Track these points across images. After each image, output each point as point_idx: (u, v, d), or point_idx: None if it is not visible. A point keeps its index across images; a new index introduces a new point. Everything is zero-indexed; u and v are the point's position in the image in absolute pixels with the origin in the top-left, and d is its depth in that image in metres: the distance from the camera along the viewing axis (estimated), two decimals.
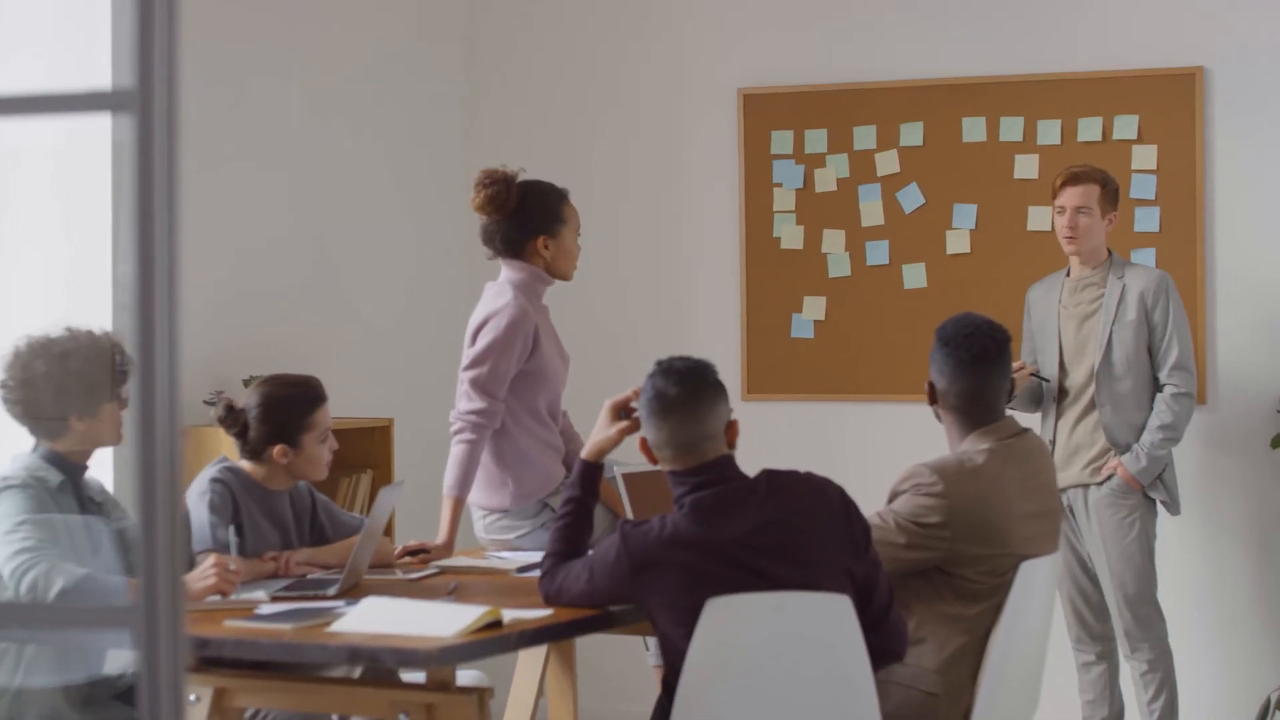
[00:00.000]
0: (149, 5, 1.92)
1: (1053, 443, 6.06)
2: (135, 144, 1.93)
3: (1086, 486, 6.00)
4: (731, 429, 4.07)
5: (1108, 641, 6.08)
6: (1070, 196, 6.04)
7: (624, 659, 6.66)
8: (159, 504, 1.87)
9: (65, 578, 4.14)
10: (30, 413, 4.41)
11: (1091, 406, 5.99)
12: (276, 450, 4.70)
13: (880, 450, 6.86)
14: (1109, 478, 5.95)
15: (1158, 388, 5.97)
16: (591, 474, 4.35)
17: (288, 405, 4.73)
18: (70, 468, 4.45)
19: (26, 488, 4.32)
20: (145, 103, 1.95)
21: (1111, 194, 6.08)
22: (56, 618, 2.09)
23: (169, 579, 1.90)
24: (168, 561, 1.89)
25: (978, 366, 4.52)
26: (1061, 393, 6.07)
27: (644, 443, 4.06)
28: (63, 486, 4.41)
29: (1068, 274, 6.15)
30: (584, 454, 4.37)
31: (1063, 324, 6.09)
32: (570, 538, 4.26)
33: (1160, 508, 5.99)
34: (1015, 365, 6.10)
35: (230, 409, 4.75)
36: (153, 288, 1.93)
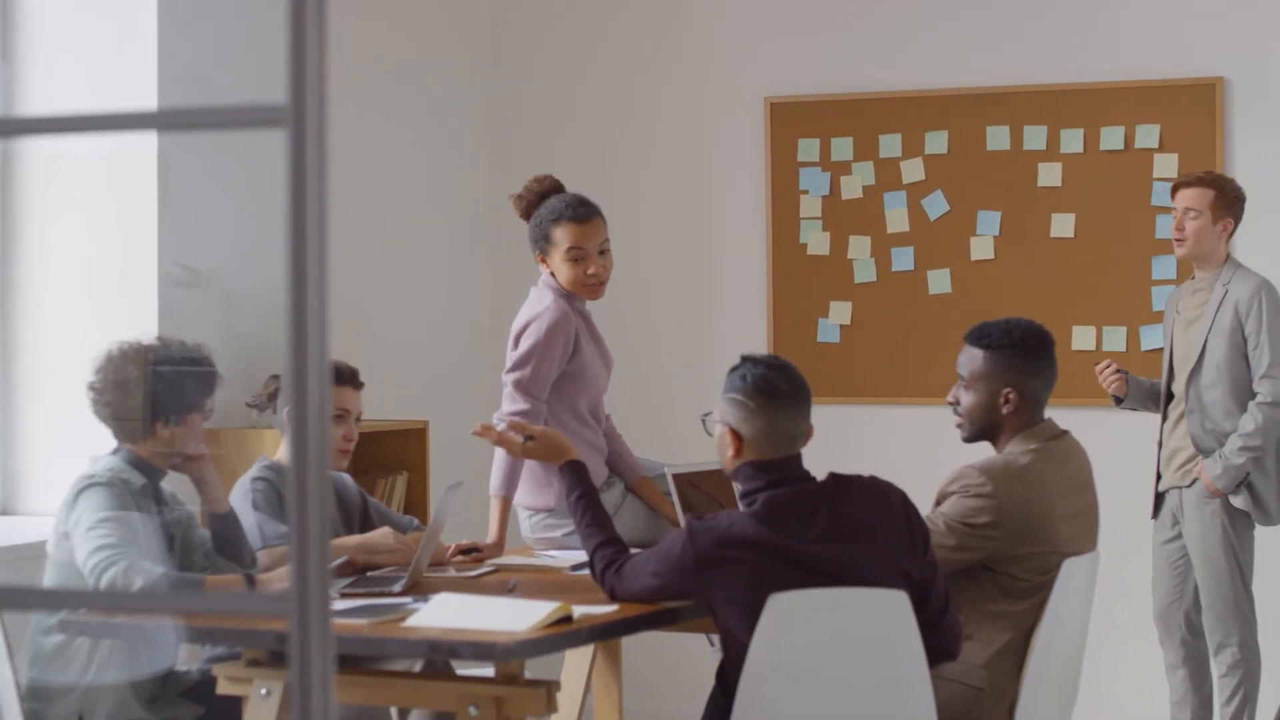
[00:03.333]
0: (300, 24, 2.02)
1: (1160, 444, 6.15)
2: (289, 158, 2.04)
3: (1180, 489, 6.07)
4: (809, 431, 4.21)
5: (1190, 645, 6.14)
6: (1182, 199, 6.07)
7: (666, 660, 6.77)
8: (310, 497, 1.97)
9: (144, 577, 4.24)
10: (118, 415, 4.52)
11: (1185, 412, 6.05)
12: (286, 412, 4.82)
13: (906, 453, 6.97)
14: (1195, 480, 6.01)
15: (1252, 396, 5.97)
16: (577, 470, 4.62)
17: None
18: (151, 471, 4.56)
19: (111, 486, 4.43)
20: (298, 119, 2.05)
21: (1229, 200, 6.05)
22: (219, 604, 2.19)
23: (320, 566, 2.00)
24: (318, 550, 1.99)
25: (1029, 367, 4.64)
26: (1169, 395, 6.14)
27: (733, 432, 4.16)
28: (144, 490, 4.52)
29: (1192, 279, 6.18)
30: (558, 462, 4.66)
31: (1175, 329, 6.14)
32: (604, 524, 4.43)
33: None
34: (1101, 364, 6.20)
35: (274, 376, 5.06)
36: (305, 295, 2.04)
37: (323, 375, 2.02)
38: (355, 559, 4.78)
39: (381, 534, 4.84)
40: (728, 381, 4.22)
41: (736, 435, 4.16)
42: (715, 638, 5.20)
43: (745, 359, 4.24)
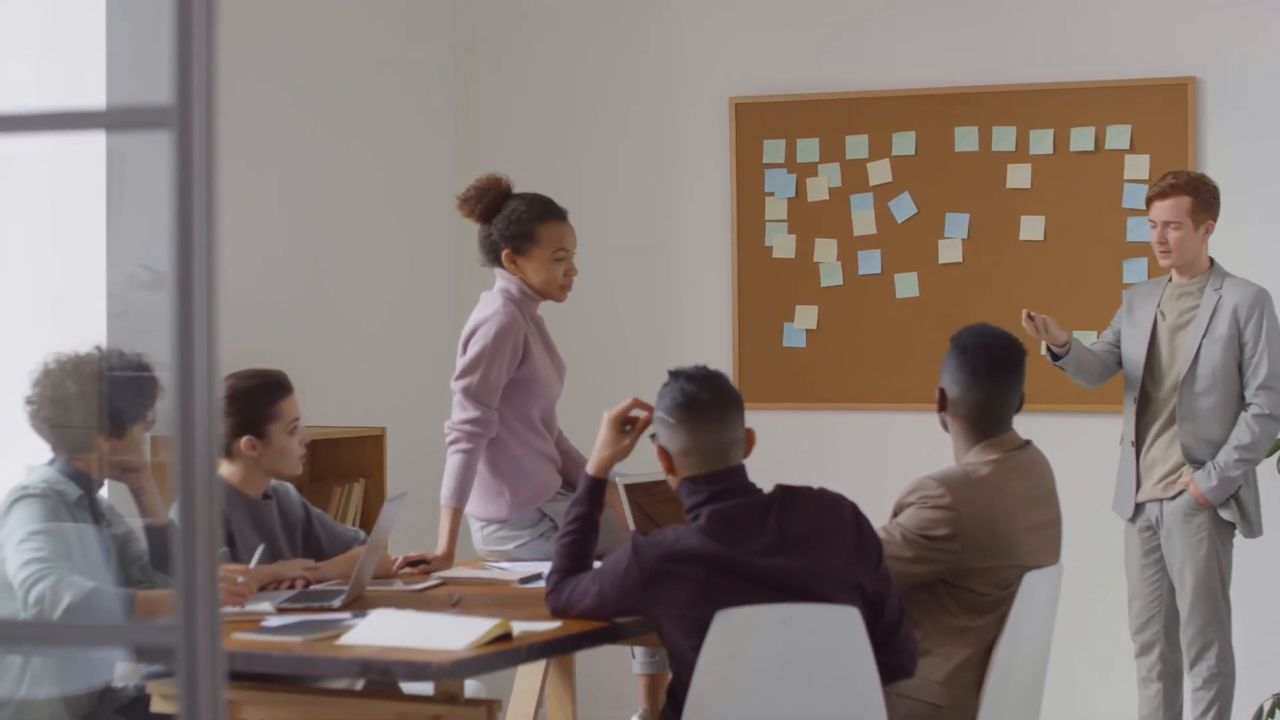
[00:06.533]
0: (187, 23, 1.93)
1: (1135, 446, 5.96)
2: (175, 161, 1.94)
3: (1161, 501, 5.90)
4: (749, 438, 4.09)
5: (1167, 659, 6.02)
6: (1159, 211, 5.86)
7: (621, 669, 6.65)
8: (198, 521, 1.87)
9: (73, 592, 4.13)
10: (56, 427, 4.42)
11: (1173, 420, 5.86)
12: (244, 443, 4.69)
13: (872, 459, 6.88)
14: (1181, 493, 5.84)
15: (1243, 406, 5.81)
16: (598, 490, 4.34)
17: (250, 396, 4.72)
18: (88, 483, 4.46)
19: (45, 498, 4.33)
20: (184, 120, 1.95)
21: (1206, 202, 5.86)
22: (100, 636, 2.08)
23: (208, 595, 1.89)
24: (207, 579, 1.89)
25: (992, 377, 4.52)
26: (1145, 400, 5.94)
27: (662, 450, 4.06)
28: (80, 501, 4.41)
29: (1169, 280, 5.98)
30: (589, 469, 4.35)
31: (1160, 332, 5.93)
32: (576, 554, 4.25)
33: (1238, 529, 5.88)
34: (1027, 313, 5.95)
35: None
36: (191, 302, 1.94)
37: (211, 389, 1.92)
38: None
39: (292, 564, 4.72)
40: (657, 400, 4.12)
41: (665, 453, 4.06)
42: (639, 650, 5.10)
43: (671, 374, 4.13)
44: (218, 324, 1.94)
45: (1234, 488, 5.82)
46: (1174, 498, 5.88)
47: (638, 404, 4.38)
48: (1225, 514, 5.84)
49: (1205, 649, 5.90)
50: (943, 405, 4.60)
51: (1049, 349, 6.01)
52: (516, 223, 5.13)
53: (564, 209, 5.21)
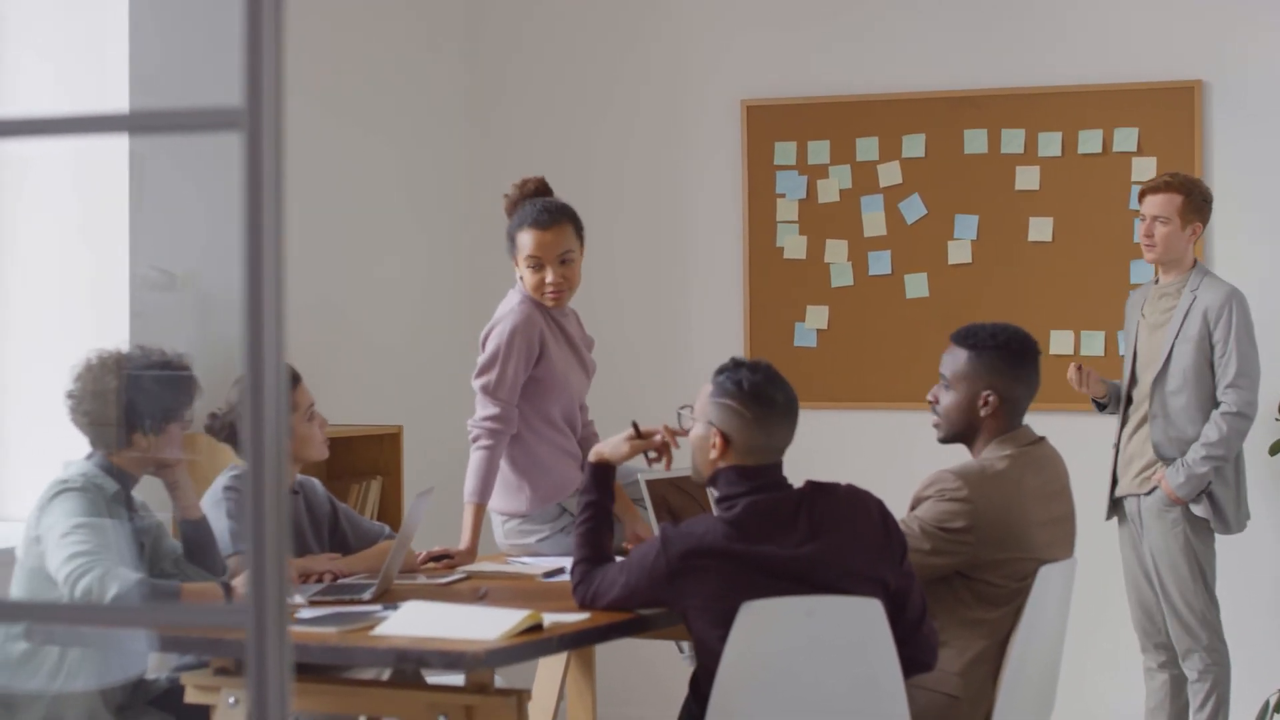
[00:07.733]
0: (256, 26, 1.99)
1: (1116, 448, 6.10)
2: (245, 161, 2.00)
3: (1138, 496, 6.03)
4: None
5: (1171, 650, 6.09)
6: (1150, 205, 6.01)
7: (640, 665, 6.74)
8: (267, 510, 1.93)
9: (120, 583, 4.20)
10: (95, 423, 4.49)
11: (1147, 418, 6.00)
12: None
13: (882, 458, 6.94)
14: (1155, 489, 5.96)
15: (1216, 405, 5.93)
16: (602, 475, 4.42)
17: None
18: (125, 478, 4.53)
19: (85, 491, 4.39)
20: (254, 121, 2.01)
21: (1196, 204, 6.00)
22: (170, 617, 2.15)
23: (277, 581, 1.96)
24: (275, 564, 1.95)
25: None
26: (1129, 400, 6.08)
27: (723, 435, 4.13)
28: (117, 496, 4.48)
29: (1155, 282, 6.13)
30: (591, 457, 4.46)
31: (1140, 332, 6.08)
32: (595, 541, 4.33)
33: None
34: (1073, 367, 6.13)
35: (214, 416, 4.84)
36: (261, 300, 2.00)
37: (280, 382, 1.98)
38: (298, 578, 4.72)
39: (319, 559, 4.80)
40: (719, 384, 4.16)
41: (726, 439, 4.12)
42: (685, 644, 5.17)
43: (739, 364, 4.19)
44: (285, 320, 2.01)
45: (1204, 484, 5.91)
46: (1149, 493, 5.99)
47: (666, 432, 4.48)
48: (1197, 510, 5.93)
49: (1194, 643, 5.98)
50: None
51: (1095, 401, 6.18)
52: (509, 230, 5.23)
53: (550, 216, 5.17)
